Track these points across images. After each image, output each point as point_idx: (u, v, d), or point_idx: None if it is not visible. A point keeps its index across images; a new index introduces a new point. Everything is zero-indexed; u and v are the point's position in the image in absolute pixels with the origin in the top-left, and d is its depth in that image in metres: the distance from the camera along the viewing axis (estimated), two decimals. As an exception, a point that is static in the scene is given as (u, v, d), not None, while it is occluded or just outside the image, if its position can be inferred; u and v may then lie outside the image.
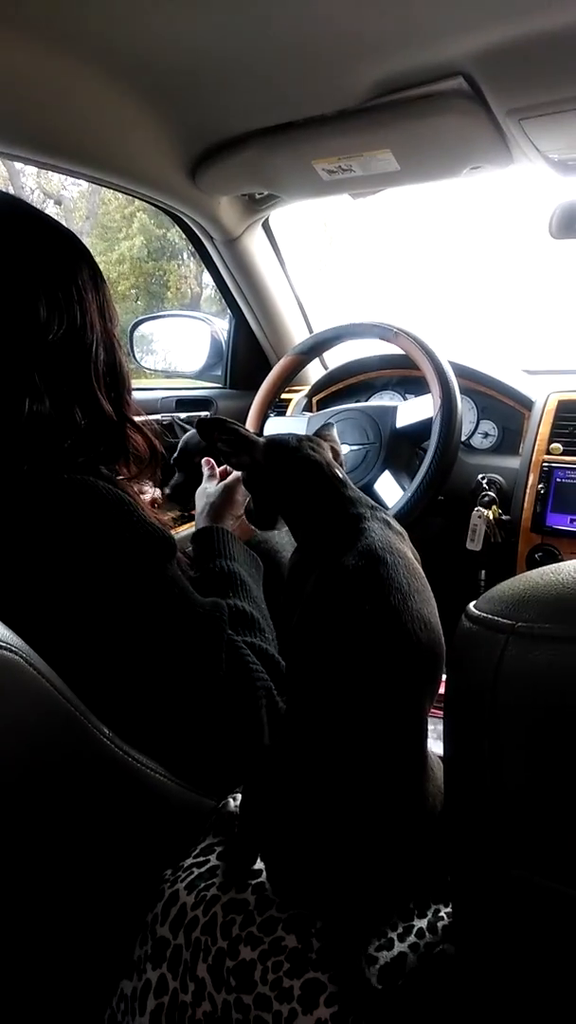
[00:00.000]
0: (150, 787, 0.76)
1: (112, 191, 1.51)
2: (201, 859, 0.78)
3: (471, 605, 0.47)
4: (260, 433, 1.62)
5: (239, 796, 0.88)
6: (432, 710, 0.79)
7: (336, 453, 1.01)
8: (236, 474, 1.10)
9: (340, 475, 0.92)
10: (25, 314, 0.76)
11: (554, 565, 0.45)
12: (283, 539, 1.24)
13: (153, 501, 1.15)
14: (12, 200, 0.82)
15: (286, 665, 0.82)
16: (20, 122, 1.17)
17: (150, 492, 1.16)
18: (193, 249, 1.81)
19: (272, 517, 0.97)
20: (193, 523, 1.21)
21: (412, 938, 0.69)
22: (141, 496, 0.90)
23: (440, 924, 0.71)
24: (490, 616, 0.44)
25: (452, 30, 0.97)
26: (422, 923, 0.71)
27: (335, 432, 1.07)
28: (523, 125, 1.11)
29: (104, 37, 1.02)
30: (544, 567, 0.46)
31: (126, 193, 1.51)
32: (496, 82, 1.06)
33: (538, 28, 0.94)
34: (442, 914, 0.72)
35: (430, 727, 0.75)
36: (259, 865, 0.76)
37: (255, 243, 1.76)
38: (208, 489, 1.11)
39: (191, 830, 0.82)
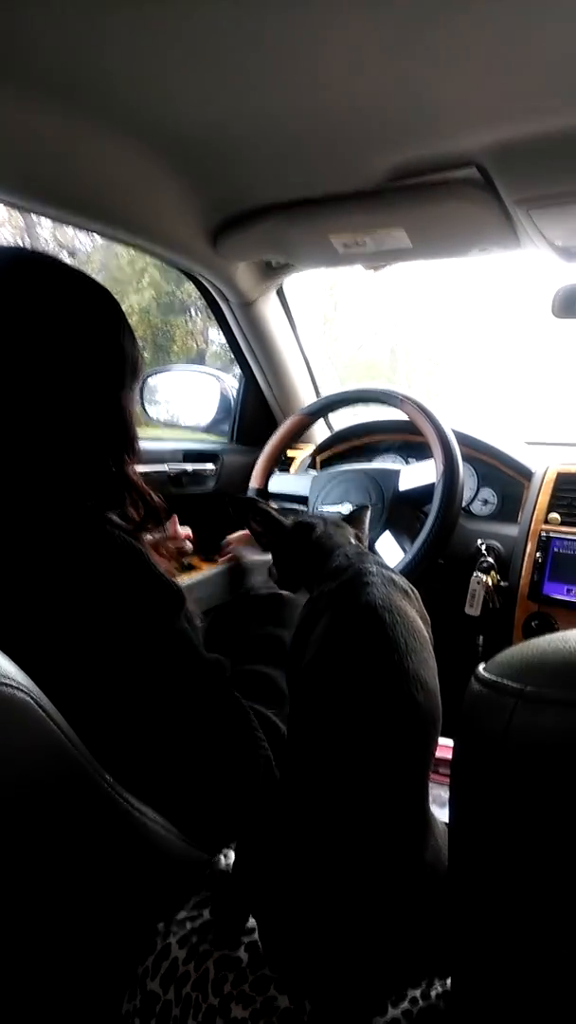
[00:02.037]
0: (148, 837, 0.76)
1: (125, 246, 1.58)
2: (195, 913, 0.77)
3: (480, 668, 0.49)
4: (266, 487, 1.66)
5: (230, 853, 0.87)
6: (433, 775, 0.80)
7: (359, 538, 1.06)
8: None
9: (350, 538, 0.95)
10: (69, 366, 0.79)
11: (562, 633, 0.47)
12: None
13: (181, 552, 1.18)
14: (56, 263, 0.84)
15: (288, 718, 0.83)
16: (51, 182, 1.22)
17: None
18: (201, 306, 1.87)
19: (295, 582, 1.01)
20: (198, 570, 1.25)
21: (406, 1004, 0.68)
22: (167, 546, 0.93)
23: (434, 992, 0.70)
24: (499, 680, 0.46)
25: (467, 124, 1.04)
26: (416, 992, 0.70)
27: (367, 517, 1.13)
28: (531, 214, 1.17)
29: (138, 109, 1.07)
30: (552, 634, 0.48)
31: (148, 253, 1.57)
32: (507, 174, 1.12)
33: (548, 127, 1.00)
34: (436, 982, 0.71)
35: (431, 792, 0.76)
36: (252, 923, 0.75)
37: (269, 308, 1.82)
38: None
39: (186, 883, 0.82)
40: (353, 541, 0.99)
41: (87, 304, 0.82)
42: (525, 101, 0.96)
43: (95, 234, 1.49)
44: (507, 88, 0.93)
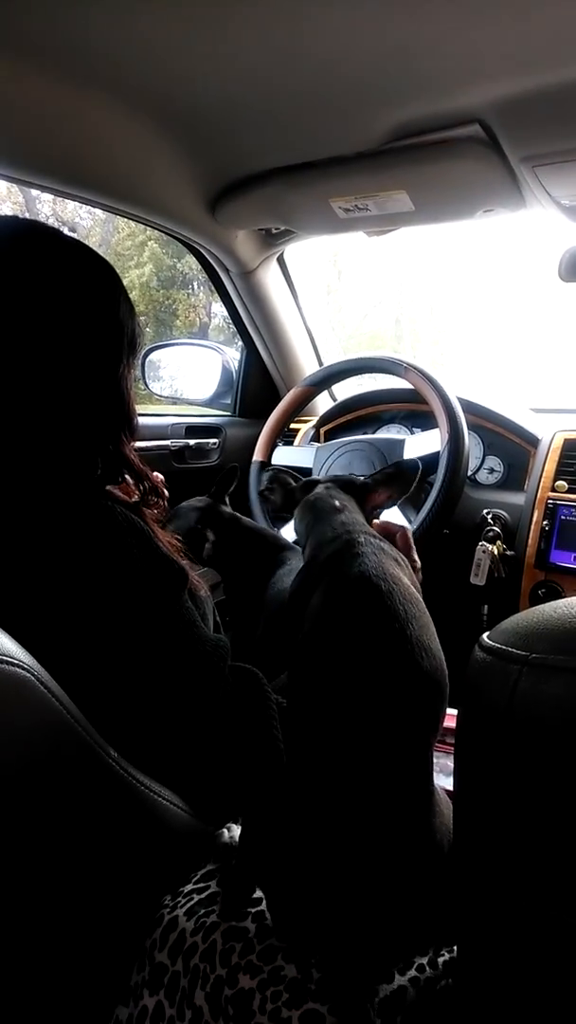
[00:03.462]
0: (153, 811, 0.76)
1: (125, 220, 1.55)
2: (201, 885, 0.78)
3: (484, 636, 0.48)
4: (269, 460, 1.65)
5: (233, 826, 0.87)
6: (438, 745, 0.79)
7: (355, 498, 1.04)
8: None
9: (337, 504, 0.94)
10: (71, 339, 0.77)
11: (566, 599, 0.46)
12: None
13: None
14: (52, 232, 0.81)
15: (288, 691, 0.82)
16: (49, 154, 1.21)
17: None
18: (203, 279, 1.84)
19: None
20: None
21: (413, 972, 0.68)
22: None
23: (441, 960, 0.70)
24: (504, 647, 0.45)
25: (470, 80, 1.00)
26: (423, 960, 0.71)
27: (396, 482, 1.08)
28: (536, 172, 1.14)
29: (134, 76, 1.05)
30: (557, 601, 0.47)
31: (147, 224, 1.54)
32: (511, 130, 1.09)
33: (553, 80, 0.97)
34: (443, 951, 0.72)
35: (436, 761, 0.75)
36: (259, 893, 0.75)
37: (270, 276, 1.79)
38: None
39: (192, 855, 0.82)
40: (337, 504, 0.95)
41: (84, 275, 0.80)
42: (530, 53, 0.93)
43: (95, 209, 1.47)
44: (511, 40, 0.90)
